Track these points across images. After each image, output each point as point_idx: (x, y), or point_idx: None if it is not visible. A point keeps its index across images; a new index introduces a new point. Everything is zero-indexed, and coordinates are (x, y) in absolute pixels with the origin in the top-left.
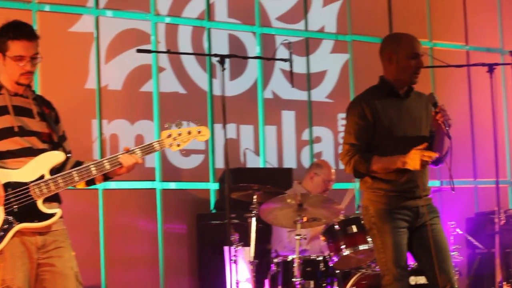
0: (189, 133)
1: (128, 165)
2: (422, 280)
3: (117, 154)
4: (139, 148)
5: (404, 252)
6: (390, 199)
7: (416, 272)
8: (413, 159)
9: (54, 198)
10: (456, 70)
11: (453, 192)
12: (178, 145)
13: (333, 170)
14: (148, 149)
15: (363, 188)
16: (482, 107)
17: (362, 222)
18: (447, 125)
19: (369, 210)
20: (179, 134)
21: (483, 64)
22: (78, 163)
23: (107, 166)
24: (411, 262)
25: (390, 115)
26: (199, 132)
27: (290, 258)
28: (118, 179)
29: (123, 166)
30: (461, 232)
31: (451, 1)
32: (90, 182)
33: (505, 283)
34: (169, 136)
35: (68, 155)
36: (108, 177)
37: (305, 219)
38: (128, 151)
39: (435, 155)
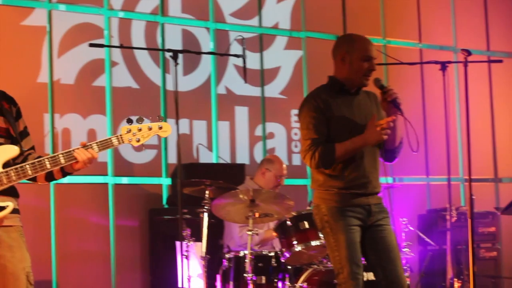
0: (150, 128)
1: (83, 159)
2: (371, 276)
3: (73, 148)
4: (96, 143)
5: (358, 250)
6: (342, 196)
7: (365, 268)
8: (372, 132)
9: (8, 192)
10: (409, 67)
11: (415, 152)
12: (138, 141)
13: (284, 166)
14: (106, 144)
15: (314, 186)
16: (435, 105)
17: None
18: (397, 103)
19: (321, 208)
20: (139, 130)
21: (436, 62)
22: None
23: (62, 160)
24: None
25: (342, 111)
26: (160, 127)
27: (242, 253)
28: None
29: (78, 161)
30: (412, 229)
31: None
32: (50, 177)
33: (456, 279)
34: (129, 131)
35: (30, 150)
36: (67, 172)
37: (257, 214)
38: (84, 145)
39: (391, 118)
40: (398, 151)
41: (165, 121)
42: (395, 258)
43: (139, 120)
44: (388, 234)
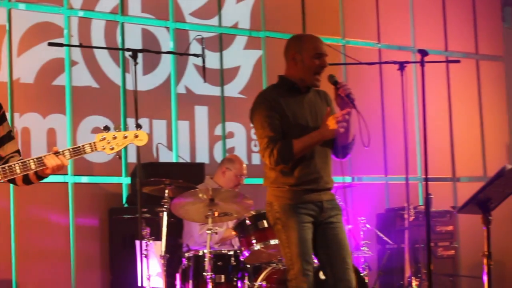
0: (126, 137)
1: (52, 166)
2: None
3: (44, 154)
4: (68, 150)
5: (310, 247)
6: (294, 193)
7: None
8: (329, 125)
9: None
10: (368, 67)
11: (367, 147)
12: (112, 149)
13: (244, 165)
14: (78, 152)
15: (266, 184)
16: (393, 105)
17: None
18: (351, 98)
19: (273, 205)
20: (114, 138)
21: (394, 62)
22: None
23: (32, 166)
24: None
25: (293, 109)
26: (136, 136)
27: (201, 252)
28: None
29: (47, 167)
30: (371, 228)
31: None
32: (28, 181)
33: (414, 277)
34: (103, 139)
35: (12, 154)
36: (41, 176)
37: (216, 213)
38: (56, 152)
39: (347, 111)
40: (350, 147)
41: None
42: (344, 256)
43: (116, 128)
44: (339, 232)
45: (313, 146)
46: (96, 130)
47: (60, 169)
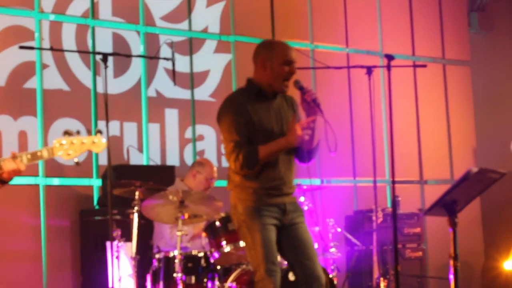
0: (83, 143)
1: (8, 170)
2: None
3: (3, 158)
4: (26, 154)
5: (274, 248)
6: (258, 196)
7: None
8: (293, 134)
9: None
10: (337, 72)
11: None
12: (69, 155)
13: (215, 168)
14: (35, 157)
15: (231, 187)
16: (361, 108)
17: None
18: (317, 103)
19: (237, 208)
20: (72, 143)
21: (362, 66)
22: None
23: None
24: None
25: (259, 114)
26: (94, 142)
27: (171, 254)
28: None
29: (4, 171)
30: (340, 230)
31: (332, 5)
32: None
33: (382, 278)
34: (61, 144)
35: None
36: (4, 181)
37: (186, 215)
38: (14, 156)
39: (311, 118)
40: (315, 152)
41: (102, 136)
42: (311, 254)
43: (76, 134)
44: (304, 232)
45: (279, 153)
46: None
47: (16, 174)
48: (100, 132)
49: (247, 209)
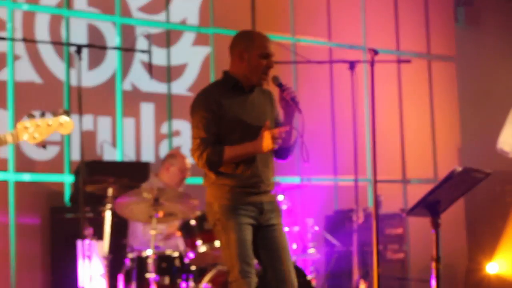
0: (50, 125)
1: None
2: None
3: None
4: None
5: (250, 248)
6: (234, 194)
7: None
8: (263, 141)
9: None
10: (319, 66)
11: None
12: (35, 138)
13: (187, 160)
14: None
15: (207, 184)
16: (344, 104)
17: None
18: (295, 101)
19: (213, 206)
20: (38, 126)
21: (345, 61)
22: None
23: None
24: None
25: (235, 109)
26: (61, 123)
27: (145, 253)
28: None
29: None
30: (319, 230)
31: None
32: None
33: (362, 280)
34: (26, 128)
35: None
36: None
37: (161, 214)
38: None
39: (285, 129)
40: (292, 149)
41: (69, 116)
42: (286, 259)
43: (41, 116)
44: (279, 234)
45: (244, 157)
46: None
47: None
48: (66, 112)
49: (223, 208)
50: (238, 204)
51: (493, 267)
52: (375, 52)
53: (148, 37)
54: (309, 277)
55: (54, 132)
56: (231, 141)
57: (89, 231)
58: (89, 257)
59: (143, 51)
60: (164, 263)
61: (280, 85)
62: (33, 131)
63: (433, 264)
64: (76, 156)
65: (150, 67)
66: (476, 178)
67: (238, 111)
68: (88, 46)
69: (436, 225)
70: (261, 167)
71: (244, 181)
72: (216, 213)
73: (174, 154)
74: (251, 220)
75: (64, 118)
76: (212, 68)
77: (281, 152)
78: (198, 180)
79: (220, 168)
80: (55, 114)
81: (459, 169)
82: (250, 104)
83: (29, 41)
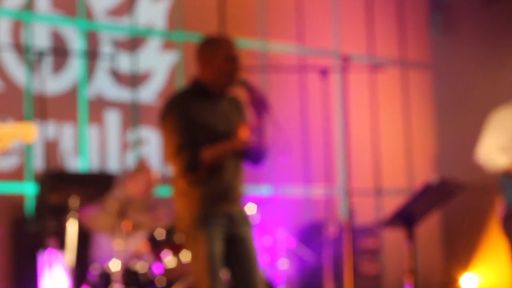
0: (11, 131)
1: None
2: None
3: None
4: None
5: (219, 261)
6: (204, 204)
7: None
8: (239, 136)
9: None
10: (289, 72)
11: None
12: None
13: (154, 170)
14: None
15: (176, 194)
16: (315, 112)
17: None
18: (264, 102)
19: (182, 217)
20: (1, 132)
21: (316, 68)
22: None
23: None
24: None
25: (204, 116)
26: (24, 130)
27: (110, 266)
28: None
29: None
30: (291, 242)
31: (286, 1)
32: None
33: None
34: None
35: None
36: None
37: (127, 226)
38: None
39: (259, 121)
40: (264, 155)
41: (32, 123)
42: (255, 272)
43: (2, 121)
44: (250, 247)
45: (223, 156)
46: None
47: None
48: (27, 120)
49: (192, 218)
50: (208, 214)
51: (468, 280)
52: (348, 59)
53: (114, 42)
54: None
55: (17, 140)
56: (201, 147)
57: (52, 242)
58: (53, 269)
59: (108, 57)
60: (130, 276)
61: (248, 87)
62: None
63: (408, 277)
64: (38, 165)
65: (116, 75)
66: (452, 191)
67: (207, 118)
68: (51, 51)
69: (411, 237)
70: (231, 174)
71: (214, 189)
72: (187, 224)
73: (142, 165)
74: (222, 229)
75: (28, 125)
76: (180, 74)
77: (253, 158)
78: (165, 191)
79: (199, 171)
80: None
81: (436, 181)
82: (220, 111)
83: None
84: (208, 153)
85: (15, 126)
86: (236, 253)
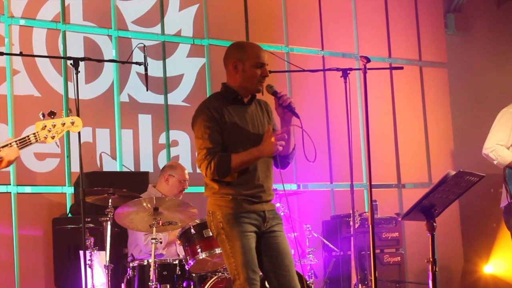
0: (63, 124)
1: (10, 159)
2: None
3: None
4: (15, 141)
5: (254, 256)
6: (237, 203)
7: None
8: (268, 144)
9: None
10: (312, 75)
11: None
12: (53, 137)
13: (186, 171)
14: (24, 142)
15: (208, 193)
16: (338, 112)
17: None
18: (291, 107)
19: (216, 215)
20: (54, 125)
21: (337, 69)
22: None
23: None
24: None
25: (235, 121)
26: (72, 122)
27: (146, 262)
28: None
29: (3, 160)
30: (316, 235)
31: (307, 7)
32: None
33: (360, 285)
34: (44, 127)
35: None
36: None
37: (160, 223)
38: (7, 144)
39: (286, 129)
40: (291, 157)
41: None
42: (288, 264)
43: (51, 114)
44: (282, 241)
45: (251, 163)
46: None
47: (13, 162)
48: (71, 110)
49: (226, 216)
50: (241, 212)
51: (489, 268)
52: (368, 60)
53: (144, 49)
54: (309, 282)
55: (67, 131)
56: (232, 152)
57: (90, 241)
58: (91, 267)
59: (139, 63)
60: (165, 271)
61: (275, 93)
62: (51, 130)
63: (429, 267)
64: (76, 167)
65: (146, 80)
66: (470, 181)
67: (237, 122)
68: (85, 59)
69: (431, 228)
70: (262, 177)
71: (246, 190)
72: (220, 222)
73: (174, 165)
74: (254, 228)
75: (74, 117)
76: (208, 78)
77: (281, 160)
78: (197, 189)
79: (228, 176)
80: (68, 113)
81: (453, 172)
82: (249, 115)
83: (27, 55)
84: (237, 160)
85: (65, 119)
86: (269, 248)
